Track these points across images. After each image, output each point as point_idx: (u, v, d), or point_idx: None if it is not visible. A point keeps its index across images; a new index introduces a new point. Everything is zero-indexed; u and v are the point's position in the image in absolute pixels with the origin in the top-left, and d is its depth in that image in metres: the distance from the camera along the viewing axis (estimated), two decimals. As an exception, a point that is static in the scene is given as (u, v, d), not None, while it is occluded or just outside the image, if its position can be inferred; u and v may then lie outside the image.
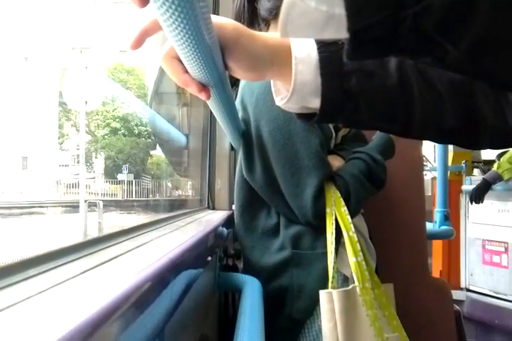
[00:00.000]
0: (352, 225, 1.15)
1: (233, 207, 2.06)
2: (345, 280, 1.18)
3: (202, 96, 0.64)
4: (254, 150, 1.22)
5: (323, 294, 1.11)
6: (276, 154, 1.18)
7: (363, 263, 1.12)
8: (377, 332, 1.09)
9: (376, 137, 1.33)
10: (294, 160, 1.17)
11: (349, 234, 1.14)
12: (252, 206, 1.29)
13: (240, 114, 1.22)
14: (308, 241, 1.20)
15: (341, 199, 1.17)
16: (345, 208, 1.16)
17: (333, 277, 1.12)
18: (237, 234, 1.35)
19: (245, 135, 1.24)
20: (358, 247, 1.13)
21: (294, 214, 1.21)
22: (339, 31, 0.37)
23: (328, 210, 1.16)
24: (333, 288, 1.12)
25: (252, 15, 1.20)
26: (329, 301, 1.10)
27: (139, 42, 0.61)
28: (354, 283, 1.12)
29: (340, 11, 0.36)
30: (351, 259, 1.12)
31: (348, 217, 1.15)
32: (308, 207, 1.17)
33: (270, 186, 1.22)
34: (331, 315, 1.10)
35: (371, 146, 1.30)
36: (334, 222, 1.15)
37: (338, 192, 1.18)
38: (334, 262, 1.13)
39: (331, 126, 1.27)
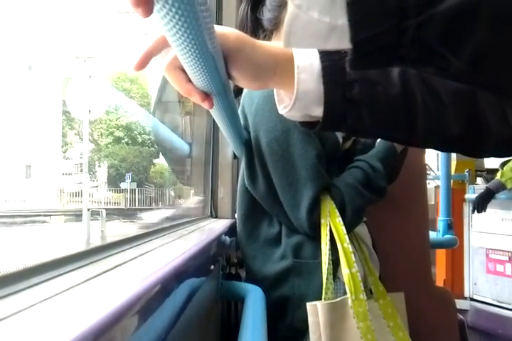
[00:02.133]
0: (346, 236, 1.15)
1: (235, 215, 2.06)
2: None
3: (205, 105, 0.64)
4: (255, 159, 1.24)
5: (308, 306, 1.11)
6: (274, 164, 1.20)
7: (358, 274, 1.11)
8: None
9: (377, 144, 1.32)
10: (291, 171, 1.18)
11: (343, 245, 1.13)
12: (254, 215, 1.29)
13: (242, 123, 1.23)
14: (309, 250, 1.20)
15: (336, 210, 1.17)
16: (340, 219, 1.16)
17: (327, 288, 1.12)
18: (239, 243, 1.35)
19: (247, 143, 1.25)
20: (353, 258, 1.12)
21: (293, 224, 1.21)
22: (342, 42, 0.38)
23: (322, 221, 1.16)
24: (327, 299, 1.11)
25: (254, 25, 1.21)
26: (314, 314, 1.10)
27: (143, 64, 0.61)
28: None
29: (342, 21, 0.37)
30: (344, 271, 1.11)
31: (343, 227, 1.15)
32: (304, 218, 1.17)
33: (270, 195, 1.23)
34: (316, 328, 1.09)
35: (371, 154, 1.29)
36: (329, 232, 1.15)
37: (333, 202, 1.18)
38: (329, 273, 1.13)
39: (339, 134, 1.28)
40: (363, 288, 1.10)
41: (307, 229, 1.18)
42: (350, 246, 1.13)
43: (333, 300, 1.10)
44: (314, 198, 1.16)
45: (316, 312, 1.09)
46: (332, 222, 1.15)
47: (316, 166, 1.18)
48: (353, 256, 1.12)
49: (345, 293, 1.13)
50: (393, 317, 1.14)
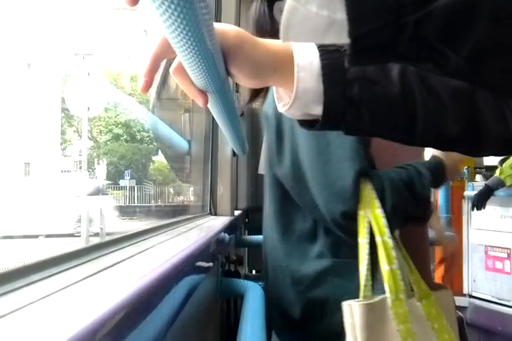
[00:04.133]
0: (387, 229, 1.02)
1: (236, 212, 2.06)
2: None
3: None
4: (285, 144, 1.14)
5: (344, 306, 1.01)
6: (305, 142, 1.08)
7: (398, 272, 1.01)
8: None
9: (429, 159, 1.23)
10: (326, 150, 1.06)
11: (383, 238, 1.02)
12: (287, 208, 1.19)
13: (271, 109, 1.16)
14: (349, 248, 1.09)
15: (376, 200, 1.05)
16: (381, 210, 1.04)
17: (364, 285, 1.02)
18: (267, 241, 1.25)
19: (276, 129, 1.16)
20: (393, 254, 1.02)
21: (322, 216, 1.09)
22: (340, 36, 0.38)
23: (361, 212, 1.05)
24: (365, 297, 1.02)
25: (274, 22, 1.15)
26: (350, 314, 1.00)
27: (153, 69, 0.61)
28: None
29: (341, 16, 0.36)
30: (384, 267, 1.01)
31: (384, 220, 1.03)
32: (338, 206, 1.05)
33: (299, 181, 1.12)
34: (352, 330, 1.00)
35: (419, 162, 1.18)
36: (367, 225, 1.04)
37: (373, 191, 1.05)
38: (367, 269, 1.03)
39: None
40: (403, 287, 1.01)
41: (340, 217, 1.05)
42: (390, 240, 1.02)
43: (371, 301, 1.01)
44: (353, 180, 1.03)
45: (352, 312, 1.01)
46: (372, 213, 1.04)
47: (355, 146, 1.05)
48: (393, 252, 1.02)
49: (383, 292, 1.02)
50: (438, 318, 1.04)
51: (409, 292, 1.05)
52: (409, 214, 1.11)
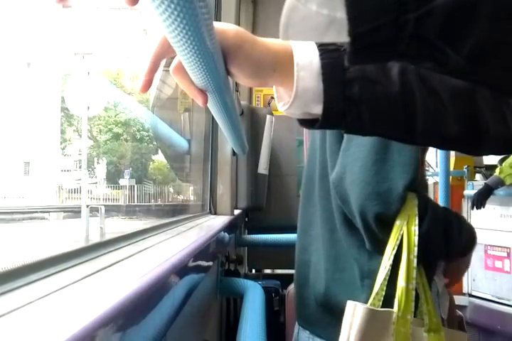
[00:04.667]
0: (416, 248, 1.00)
1: (235, 212, 2.06)
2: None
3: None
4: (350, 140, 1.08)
5: (348, 303, 1.00)
6: (368, 141, 1.03)
7: (413, 293, 0.99)
8: None
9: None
10: (383, 150, 1.01)
11: (409, 257, 1.00)
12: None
13: None
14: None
15: (416, 218, 1.01)
16: (417, 228, 1.01)
17: (376, 294, 1.00)
18: (317, 230, 1.20)
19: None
20: (414, 274, 1.00)
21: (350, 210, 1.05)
22: (340, 35, 0.38)
23: (398, 223, 1.01)
24: (373, 305, 1.00)
25: None
26: (352, 314, 0.99)
27: (153, 69, 0.61)
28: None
29: (341, 14, 0.36)
30: (400, 283, 0.99)
31: (416, 238, 1.01)
32: (377, 202, 1.00)
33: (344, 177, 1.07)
34: (347, 329, 0.99)
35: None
36: (400, 237, 1.01)
37: (416, 209, 1.02)
38: (385, 279, 1.01)
39: None
40: (413, 309, 0.99)
41: (373, 219, 1.01)
42: (415, 260, 1.00)
43: (377, 308, 1.00)
44: (404, 187, 0.99)
45: (354, 313, 0.99)
46: (407, 228, 1.01)
47: (414, 154, 0.99)
48: (415, 272, 1.00)
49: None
50: None
51: (420, 320, 1.03)
52: (435, 250, 1.07)
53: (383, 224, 1.02)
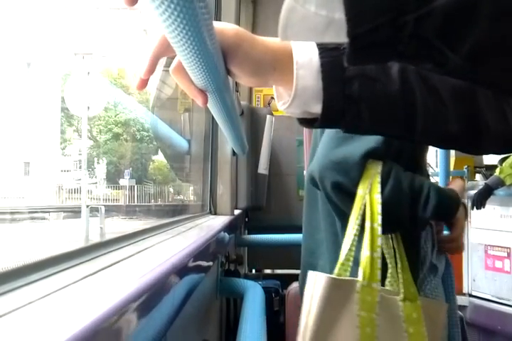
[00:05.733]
0: (380, 216, 0.98)
1: (235, 212, 2.06)
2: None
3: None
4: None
5: (310, 275, 0.98)
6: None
7: (379, 261, 0.98)
8: (362, 337, 0.95)
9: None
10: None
11: (373, 225, 0.98)
12: None
13: None
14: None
15: (378, 185, 1.00)
16: (379, 196, 1.00)
17: (342, 264, 0.99)
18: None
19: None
20: (379, 242, 0.98)
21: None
22: (339, 36, 0.38)
23: (360, 192, 1.00)
24: (339, 275, 0.98)
25: None
26: (312, 285, 0.97)
27: (151, 69, 0.62)
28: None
29: (340, 15, 0.36)
30: (365, 252, 0.98)
31: (379, 206, 0.99)
32: (334, 171, 1.00)
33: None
34: (309, 300, 0.97)
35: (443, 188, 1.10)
36: (363, 207, 1.00)
37: (379, 176, 1.01)
38: (350, 249, 0.99)
39: None
40: (379, 278, 0.98)
41: (329, 185, 1.00)
42: (380, 228, 0.98)
43: (338, 277, 0.97)
44: (361, 156, 0.99)
45: (314, 283, 0.97)
46: (370, 196, 1.00)
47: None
48: (379, 240, 0.98)
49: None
50: (417, 324, 1.00)
51: (395, 289, 1.03)
52: (398, 219, 1.05)
53: (343, 194, 1.02)
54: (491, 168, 3.89)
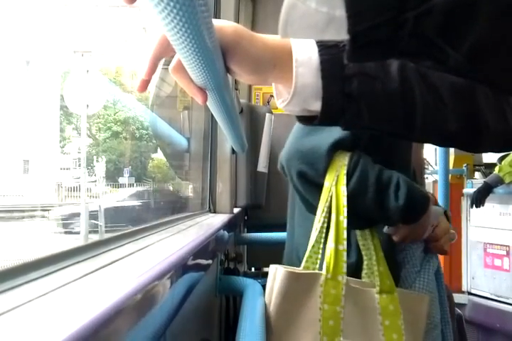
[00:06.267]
0: (345, 209, 0.98)
1: (235, 210, 2.06)
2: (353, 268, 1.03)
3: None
4: None
5: (271, 268, 0.99)
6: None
7: (344, 253, 0.97)
8: (325, 330, 0.93)
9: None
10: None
11: (339, 217, 0.98)
12: None
13: None
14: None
15: (345, 177, 1.00)
16: (345, 188, 1.00)
17: (309, 256, 0.99)
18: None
19: None
20: (345, 235, 0.97)
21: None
22: (340, 33, 0.37)
23: (326, 184, 1.00)
24: (306, 268, 0.98)
25: None
26: (273, 278, 0.98)
27: (152, 69, 0.61)
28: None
29: (340, 12, 0.36)
30: (330, 245, 0.97)
31: (345, 199, 0.98)
32: (299, 160, 1.01)
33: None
34: (269, 293, 0.98)
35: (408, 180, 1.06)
36: (329, 198, 1.00)
37: (345, 168, 1.00)
38: (317, 241, 0.99)
39: None
40: (345, 270, 0.97)
41: (295, 173, 1.01)
42: (345, 220, 0.98)
43: (298, 271, 0.97)
44: (329, 147, 0.99)
45: (275, 276, 0.98)
46: (336, 188, 1.00)
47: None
48: (345, 232, 0.97)
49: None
50: (393, 316, 0.99)
51: (372, 281, 1.02)
52: (364, 211, 1.04)
53: (308, 183, 1.03)
54: (491, 166, 3.89)
